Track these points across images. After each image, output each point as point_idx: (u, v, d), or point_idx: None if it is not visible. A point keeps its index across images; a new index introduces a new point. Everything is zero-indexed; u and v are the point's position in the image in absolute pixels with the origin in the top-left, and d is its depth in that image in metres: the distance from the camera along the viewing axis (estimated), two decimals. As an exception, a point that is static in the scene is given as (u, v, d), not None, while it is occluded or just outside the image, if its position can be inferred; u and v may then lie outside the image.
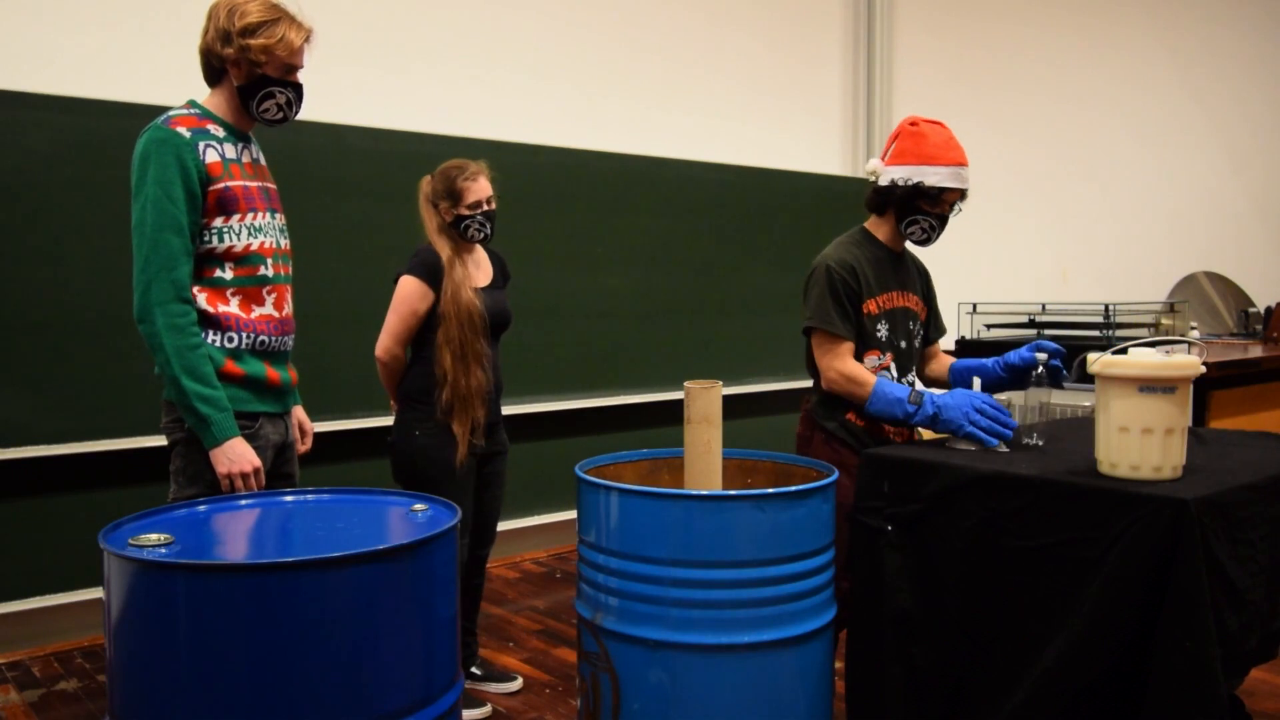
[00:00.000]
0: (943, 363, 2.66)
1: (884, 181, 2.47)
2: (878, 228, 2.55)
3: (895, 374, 2.48)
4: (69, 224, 3.35)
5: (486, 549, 3.09)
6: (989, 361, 2.47)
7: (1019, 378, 2.39)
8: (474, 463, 2.91)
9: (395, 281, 2.87)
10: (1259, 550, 1.83)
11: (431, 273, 2.83)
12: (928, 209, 2.43)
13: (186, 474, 2.12)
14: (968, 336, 4.79)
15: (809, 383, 2.60)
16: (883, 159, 2.51)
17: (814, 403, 2.53)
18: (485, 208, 2.88)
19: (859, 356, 2.44)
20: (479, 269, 2.98)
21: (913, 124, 2.47)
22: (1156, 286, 7.67)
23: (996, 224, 6.78)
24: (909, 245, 2.59)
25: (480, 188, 2.87)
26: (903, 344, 2.52)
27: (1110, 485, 1.80)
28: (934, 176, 2.39)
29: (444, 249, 2.85)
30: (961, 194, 2.45)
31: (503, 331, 3.01)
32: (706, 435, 2.18)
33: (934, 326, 2.69)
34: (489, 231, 2.92)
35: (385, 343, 2.88)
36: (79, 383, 3.38)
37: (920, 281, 2.62)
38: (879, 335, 2.46)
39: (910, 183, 2.41)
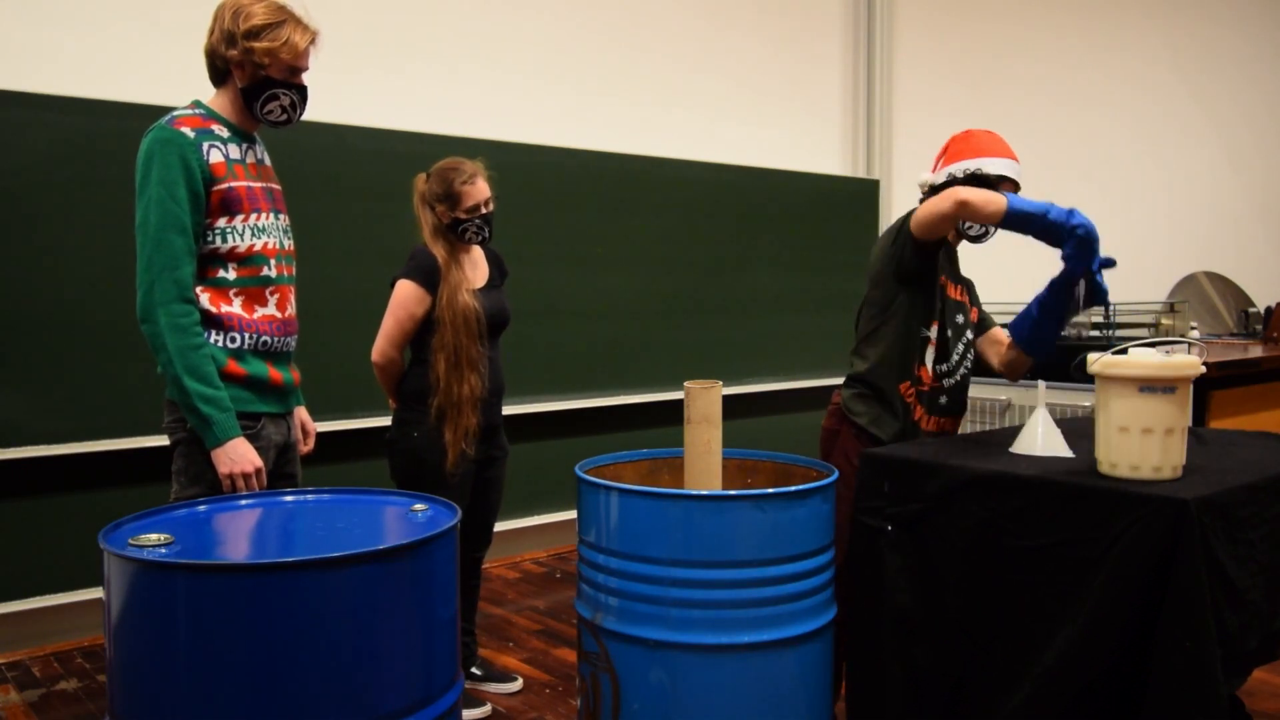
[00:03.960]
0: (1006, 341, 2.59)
1: (940, 179, 2.52)
2: None
3: (934, 357, 2.47)
4: (69, 224, 3.35)
5: (483, 551, 3.09)
6: (1031, 303, 2.39)
7: (1061, 298, 2.28)
8: (473, 467, 2.90)
9: (391, 285, 2.87)
10: (1259, 550, 1.83)
11: (428, 277, 2.82)
12: None
13: (188, 474, 2.13)
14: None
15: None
16: (933, 171, 2.57)
17: (847, 397, 2.53)
18: (484, 210, 2.87)
19: (923, 322, 2.45)
20: (476, 269, 2.97)
21: (965, 132, 2.55)
22: (1156, 286, 7.67)
23: (996, 224, 6.78)
24: (963, 246, 2.60)
25: (479, 190, 2.85)
26: (949, 333, 2.51)
27: (1110, 485, 1.80)
28: (992, 166, 2.46)
29: (440, 251, 2.84)
30: (1016, 190, 2.47)
31: (502, 331, 3.00)
32: (706, 435, 2.18)
33: (989, 318, 2.68)
34: (488, 234, 2.90)
35: (381, 347, 2.87)
36: (79, 383, 3.38)
37: (965, 284, 2.63)
38: (941, 309, 2.47)
39: (968, 172, 2.46)
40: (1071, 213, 2.11)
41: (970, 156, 2.48)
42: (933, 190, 2.55)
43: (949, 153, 2.55)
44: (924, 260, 2.42)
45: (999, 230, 2.47)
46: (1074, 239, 2.11)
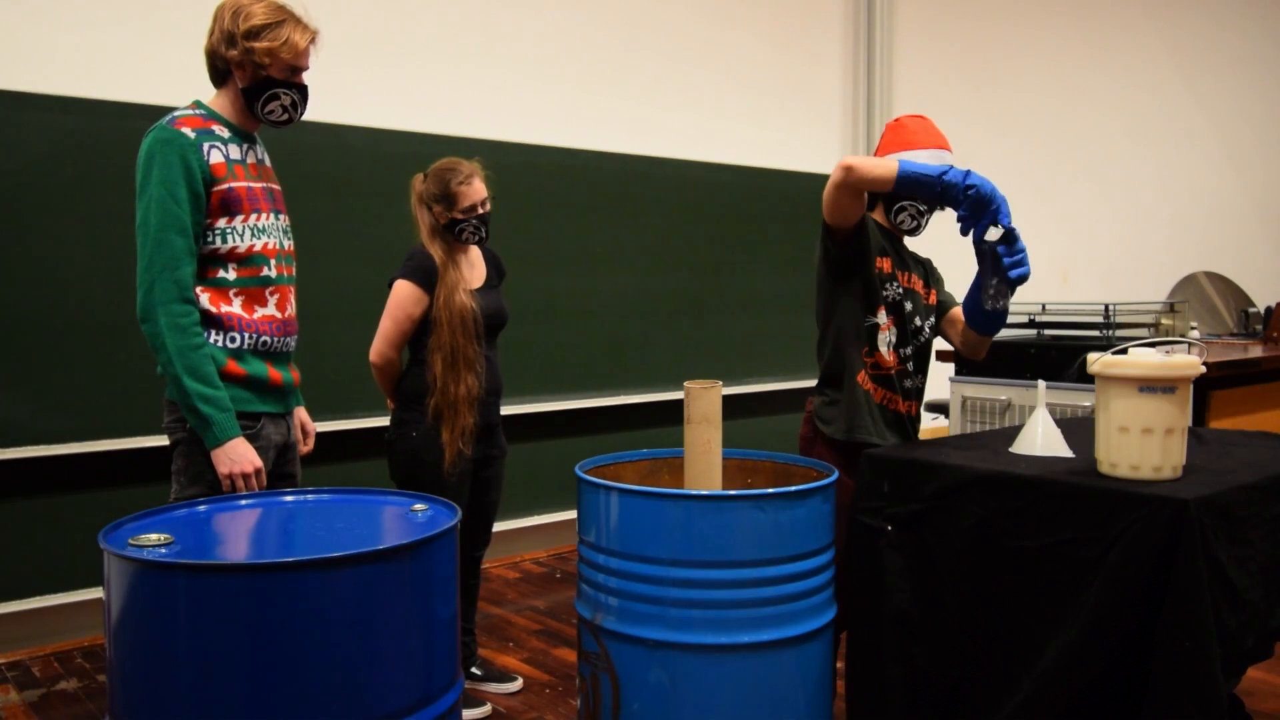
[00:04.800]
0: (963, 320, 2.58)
1: None
2: (880, 218, 2.56)
3: (894, 339, 2.46)
4: (69, 224, 3.35)
5: (482, 550, 3.10)
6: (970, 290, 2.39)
7: (985, 262, 2.26)
8: (470, 466, 2.90)
9: (389, 286, 2.87)
10: (1258, 550, 1.83)
11: (426, 277, 2.82)
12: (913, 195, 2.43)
13: (188, 474, 2.13)
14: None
15: (809, 383, 2.59)
16: None
17: (817, 404, 2.52)
18: (480, 211, 2.87)
19: (874, 308, 2.43)
20: (473, 269, 2.97)
21: (895, 121, 2.52)
22: (1156, 286, 7.67)
23: (996, 224, 6.77)
24: (906, 242, 2.58)
25: (475, 191, 2.85)
26: (916, 322, 2.50)
27: (1110, 485, 1.81)
28: (918, 156, 2.41)
29: (437, 252, 2.84)
30: None
31: (499, 330, 3.01)
32: (706, 435, 2.18)
33: (950, 297, 2.65)
34: (484, 234, 2.91)
35: (379, 347, 2.87)
36: (79, 383, 3.38)
37: (920, 267, 2.61)
38: (886, 296, 2.45)
39: None
40: (968, 174, 2.11)
41: (898, 148, 2.45)
42: None
43: (881, 144, 2.52)
44: (845, 248, 2.39)
45: (930, 218, 2.47)
46: (966, 200, 2.10)
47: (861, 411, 2.43)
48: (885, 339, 2.45)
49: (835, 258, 2.41)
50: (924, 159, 2.40)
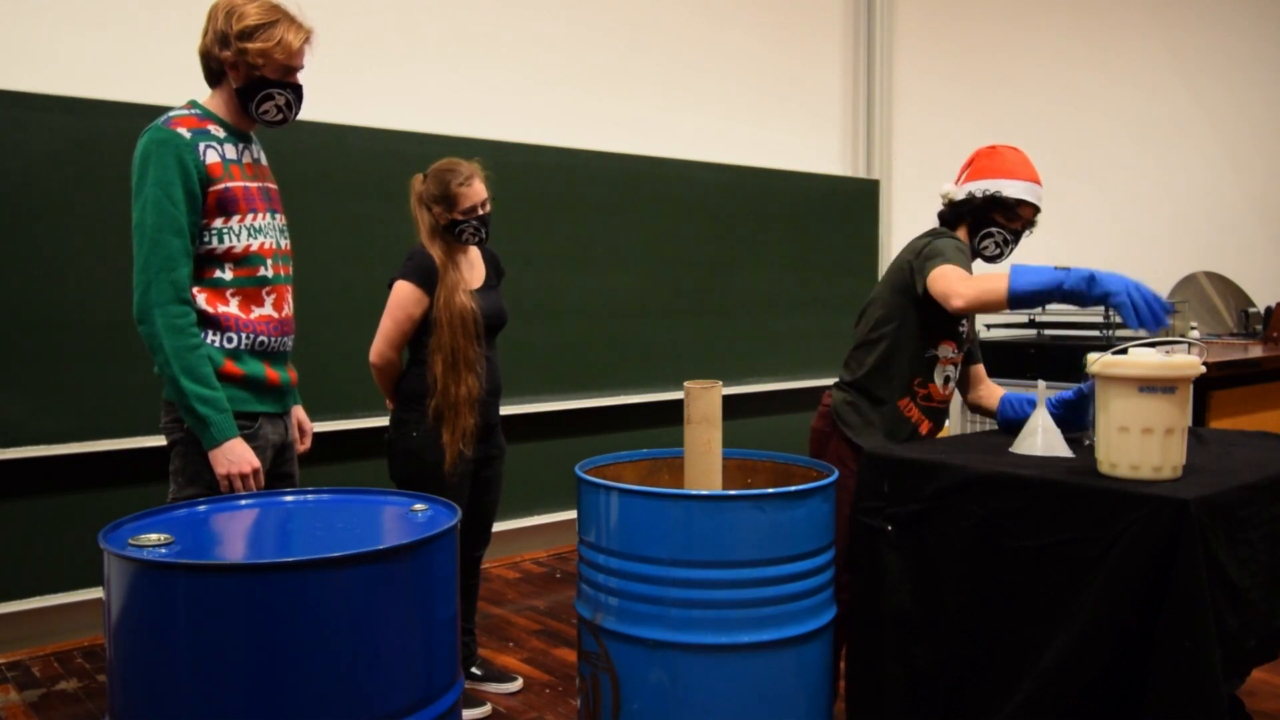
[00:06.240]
0: (992, 391, 2.61)
1: (960, 195, 2.51)
2: (963, 236, 2.58)
3: (950, 373, 2.51)
4: (69, 224, 3.35)
5: (481, 550, 3.10)
6: (1022, 402, 2.45)
7: (1078, 411, 2.31)
8: (470, 466, 2.90)
9: (389, 286, 2.87)
10: (1259, 550, 1.83)
11: (426, 277, 2.82)
12: (1003, 222, 2.47)
13: (186, 474, 2.13)
14: (968, 336, 4.80)
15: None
16: (956, 183, 2.56)
17: (838, 402, 2.51)
18: (480, 212, 2.86)
19: (936, 341, 2.45)
20: (473, 270, 2.97)
21: (990, 148, 2.55)
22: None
23: (996, 224, 6.77)
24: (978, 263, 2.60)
25: (475, 192, 2.85)
26: (964, 349, 2.56)
27: (1110, 485, 1.81)
28: (1012, 189, 2.45)
29: (437, 252, 2.84)
30: (1034, 213, 2.49)
31: (499, 331, 3.00)
32: (706, 435, 2.18)
33: (977, 348, 2.69)
34: (484, 235, 2.90)
35: (379, 347, 2.87)
36: (79, 383, 3.38)
37: None
38: (961, 330, 2.48)
39: (988, 193, 2.45)
40: (1092, 280, 2.03)
41: (992, 176, 2.47)
42: (952, 205, 2.53)
43: (973, 168, 2.53)
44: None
45: (1015, 248, 2.51)
46: (1120, 305, 2.02)
47: (899, 435, 2.46)
48: (943, 372, 2.47)
49: (925, 297, 2.37)
50: (1018, 191, 2.43)
